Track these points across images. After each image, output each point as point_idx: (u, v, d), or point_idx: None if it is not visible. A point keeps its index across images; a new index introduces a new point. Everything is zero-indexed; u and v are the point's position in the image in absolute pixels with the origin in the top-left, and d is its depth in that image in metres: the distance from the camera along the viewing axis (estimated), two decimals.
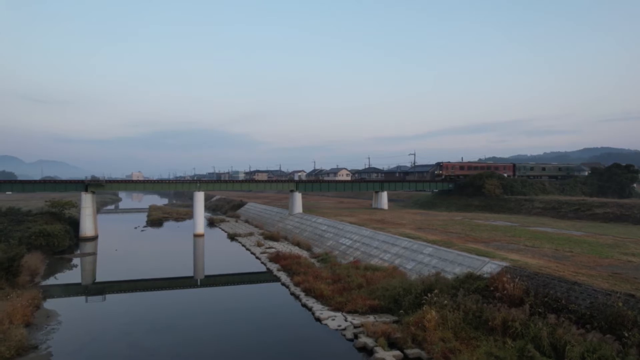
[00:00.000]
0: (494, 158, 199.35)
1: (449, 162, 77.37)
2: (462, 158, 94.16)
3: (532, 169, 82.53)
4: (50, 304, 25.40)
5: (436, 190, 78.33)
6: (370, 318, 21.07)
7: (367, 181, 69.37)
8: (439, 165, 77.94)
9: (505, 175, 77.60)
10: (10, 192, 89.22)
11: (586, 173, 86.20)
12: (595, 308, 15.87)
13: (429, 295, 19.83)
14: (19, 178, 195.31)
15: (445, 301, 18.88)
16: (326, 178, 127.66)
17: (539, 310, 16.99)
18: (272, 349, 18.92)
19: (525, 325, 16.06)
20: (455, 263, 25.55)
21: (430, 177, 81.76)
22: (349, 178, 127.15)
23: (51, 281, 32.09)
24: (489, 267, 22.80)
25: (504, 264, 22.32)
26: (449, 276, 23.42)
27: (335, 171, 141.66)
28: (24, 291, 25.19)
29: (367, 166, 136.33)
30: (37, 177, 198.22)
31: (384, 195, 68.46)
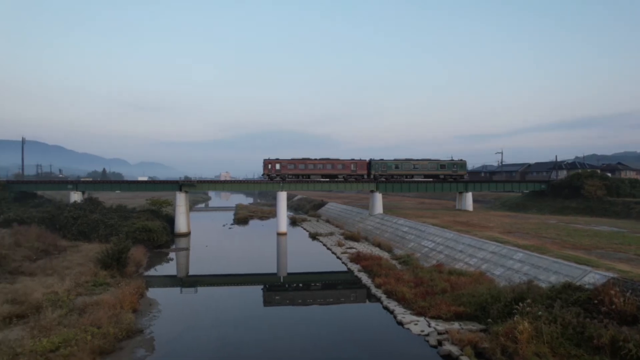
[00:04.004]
0: (594, 156, 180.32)
1: (277, 158, 61.72)
2: (556, 157, 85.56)
3: (397, 166, 63.73)
4: (151, 292, 27.98)
5: (527, 191, 72.82)
6: (455, 325, 20.23)
7: (451, 181, 66.37)
8: (264, 162, 62.23)
9: (349, 174, 62.05)
10: (119, 191, 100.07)
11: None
12: None
13: (521, 304, 18.48)
14: (125, 178, 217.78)
15: (540, 312, 17.45)
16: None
17: None
18: (354, 351, 18.96)
19: None
20: (550, 271, 23.52)
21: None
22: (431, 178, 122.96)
23: (151, 272, 35.29)
24: (591, 277, 20.66)
25: (610, 274, 20.06)
26: (543, 285, 21.63)
27: None
28: (131, 280, 28.09)
29: None
30: (140, 178, 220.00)
31: (469, 196, 65.21)
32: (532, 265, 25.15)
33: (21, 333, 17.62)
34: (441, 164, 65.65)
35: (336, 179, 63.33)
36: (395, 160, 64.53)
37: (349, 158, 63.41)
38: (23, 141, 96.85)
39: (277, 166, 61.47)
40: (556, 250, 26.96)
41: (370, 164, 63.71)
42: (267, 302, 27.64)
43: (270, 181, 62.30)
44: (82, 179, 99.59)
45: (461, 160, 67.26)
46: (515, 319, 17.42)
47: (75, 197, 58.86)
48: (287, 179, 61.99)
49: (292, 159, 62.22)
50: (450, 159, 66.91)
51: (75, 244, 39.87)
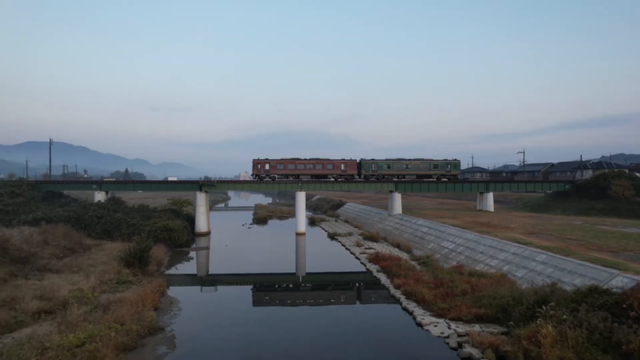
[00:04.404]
0: (621, 155, 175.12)
1: (267, 158, 61.53)
2: (581, 156, 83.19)
3: (388, 166, 62.98)
4: (172, 291, 28.44)
5: (550, 192, 71.20)
6: (476, 327, 19.95)
7: (471, 181, 65.28)
8: (253, 162, 62.12)
9: (340, 173, 61.53)
10: (140, 191, 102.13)
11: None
12: None
13: (544, 307, 18.07)
14: (147, 179, 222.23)
15: (564, 316, 17.02)
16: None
17: None
18: (373, 351, 18.88)
19: None
20: (575, 273, 22.95)
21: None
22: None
23: (172, 271, 35.87)
24: (618, 280, 20.07)
25: None
26: (568, 288, 21.11)
27: None
28: (152, 279, 28.63)
29: (470, 165, 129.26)
30: (161, 178, 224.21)
31: (490, 197, 64.15)
32: (556, 268, 24.59)
33: (49, 328, 18.19)
34: (434, 164, 64.65)
35: (326, 179, 62.97)
36: (386, 160, 64.08)
37: (339, 158, 63.43)
38: (50, 142, 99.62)
39: (267, 166, 61.35)
40: (581, 253, 26.29)
41: (360, 164, 63.36)
42: (285, 302, 27.78)
43: (260, 181, 62.42)
44: (105, 179, 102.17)
45: (455, 159, 66.12)
46: (538, 322, 17.06)
47: (99, 196, 60.33)
48: (276, 180, 61.90)
49: (281, 159, 61.81)
50: (447, 159, 66.04)
51: (100, 243, 40.88)
